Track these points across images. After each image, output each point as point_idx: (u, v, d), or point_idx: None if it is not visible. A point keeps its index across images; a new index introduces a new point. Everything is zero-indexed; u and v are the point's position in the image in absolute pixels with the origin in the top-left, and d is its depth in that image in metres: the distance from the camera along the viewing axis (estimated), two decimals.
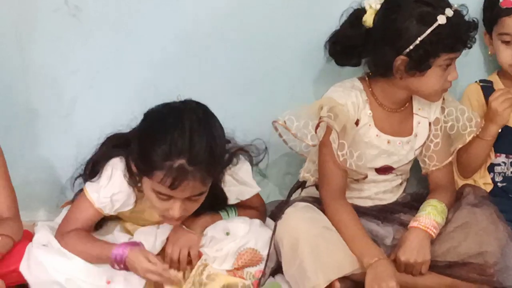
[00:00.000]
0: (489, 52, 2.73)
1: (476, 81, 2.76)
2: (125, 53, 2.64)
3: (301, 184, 2.71)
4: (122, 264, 2.36)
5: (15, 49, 2.64)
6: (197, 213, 2.48)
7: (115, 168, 2.46)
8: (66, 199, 2.71)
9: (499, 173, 2.76)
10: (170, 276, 2.35)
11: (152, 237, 2.46)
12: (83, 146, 2.59)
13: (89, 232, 2.49)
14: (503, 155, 2.76)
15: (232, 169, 2.52)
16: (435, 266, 2.49)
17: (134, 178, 2.43)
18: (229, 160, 2.48)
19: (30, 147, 2.71)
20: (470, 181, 2.76)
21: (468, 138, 2.63)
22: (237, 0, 2.67)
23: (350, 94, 2.54)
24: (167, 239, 2.46)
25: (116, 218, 2.58)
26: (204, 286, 2.45)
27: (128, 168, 2.43)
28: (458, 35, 2.42)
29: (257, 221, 2.53)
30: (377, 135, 2.55)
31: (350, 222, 2.47)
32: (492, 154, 2.73)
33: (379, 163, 2.54)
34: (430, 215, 2.49)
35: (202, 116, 2.34)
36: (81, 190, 2.54)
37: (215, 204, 2.53)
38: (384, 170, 2.57)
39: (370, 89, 2.56)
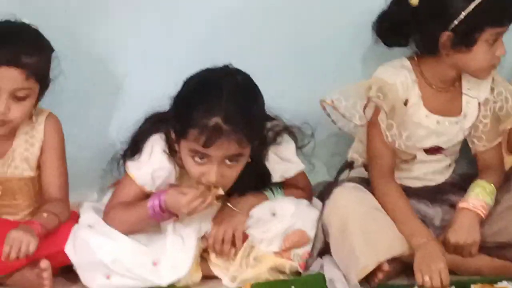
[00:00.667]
0: None
1: None
2: (174, 29, 2.66)
3: (349, 165, 2.71)
4: (166, 212, 2.39)
5: (65, 25, 2.65)
6: (242, 193, 2.50)
7: (155, 145, 2.48)
8: (114, 180, 2.72)
9: None
10: (211, 193, 2.35)
11: (197, 220, 2.48)
12: (132, 124, 2.60)
13: (129, 204, 2.51)
14: None
15: (276, 147, 2.52)
16: (485, 248, 2.49)
17: (174, 152, 2.45)
18: (273, 139, 2.49)
19: (79, 125, 2.72)
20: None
21: None
22: None
23: (399, 74, 2.54)
24: (213, 220, 2.48)
25: None
26: (251, 268, 2.45)
27: (168, 142, 2.45)
28: (503, 8, 2.41)
29: (304, 201, 2.53)
30: (426, 116, 2.55)
31: (399, 203, 2.47)
32: None
33: (428, 144, 2.54)
34: (479, 195, 2.49)
35: (242, 81, 2.37)
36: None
37: (259, 182, 2.54)
38: (433, 150, 2.56)
39: (419, 69, 2.56)
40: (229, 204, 2.45)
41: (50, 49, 2.56)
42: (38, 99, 2.53)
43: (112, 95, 2.75)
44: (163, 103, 2.50)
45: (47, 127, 2.58)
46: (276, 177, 2.55)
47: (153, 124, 2.54)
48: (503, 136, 2.66)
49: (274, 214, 2.51)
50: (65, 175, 2.62)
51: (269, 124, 2.52)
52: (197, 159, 2.35)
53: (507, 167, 2.74)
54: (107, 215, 2.50)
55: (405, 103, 2.56)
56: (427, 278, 2.32)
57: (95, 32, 2.71)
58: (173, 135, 2.41)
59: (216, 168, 2.35)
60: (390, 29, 2.56)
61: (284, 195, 2.57)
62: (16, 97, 2.45)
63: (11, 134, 2.54)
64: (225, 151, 2.34)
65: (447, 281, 2.34)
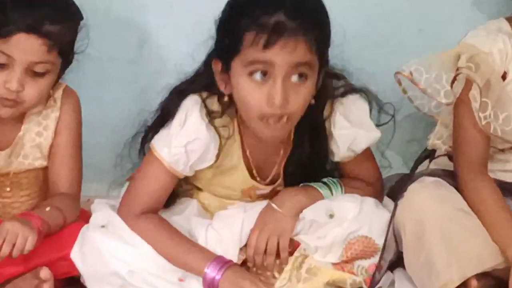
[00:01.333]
0: None
1: None
2: None
3: (430, 154, 2.44)
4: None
5: None
6: (290, 184, 2.26)
7: (190, 110, 2.19)
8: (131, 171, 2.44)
9: None
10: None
11: (237, 227, 2.19)
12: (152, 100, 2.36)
13: (168, 222, 2.22)
14: None
15: (344, 104, 2.24)
16: None
17: (214, 116, 2.17)
18: (342, 94, 2.24)
19: (92, 103, 2.46)
20: None
21: None
22: None
23: (496, 40, 2.28)
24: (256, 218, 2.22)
25: (190, 193, 2.34)
26: (303, 283, 2.19)
27: (206, 106, 2.17)
28: None
29: (370, 200, 2.23)
30: None
31: (492, 203, 2.20)
32: None
33: None
34: None
35: None
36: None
37: (313, 158, 2.25)
38: None
39: None
40: (273, 205, 2.18)
41: (79, 16, 2.31)
42: (59, 76, 2.29)
43: (131, 64, 2.50)
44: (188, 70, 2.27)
45: (64, 105, 2.33)
46: (342, 150, 2.26)
47: (183, 90, 2.24)
48: None
49: (332, 216, 2.19)
50: (78, 166, 2.38)
51: (338, 83, 2.26)
52: (257, 76, 2.04)
53: None
54: (133, 222, 2.21)
55: (503, 77, 2.27)
56: None
57: None
58: (218, 67, 2.13)
59: (281, 83, 2.03)
60: None
61: (345, 192, 2.25)
62: (33, 73, 2.20)
63: (20, 116, 2.31)
64: (290, 55, 2.03)
65: None
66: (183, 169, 2.21)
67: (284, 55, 2.04)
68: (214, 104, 2.19)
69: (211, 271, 2.13)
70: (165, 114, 2.25)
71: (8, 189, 2.36)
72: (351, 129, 2.28)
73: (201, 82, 2.23)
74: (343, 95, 2.25)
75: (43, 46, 2.18)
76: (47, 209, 2.22)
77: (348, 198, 2.23)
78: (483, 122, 2.23)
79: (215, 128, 2.19)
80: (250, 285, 2.12)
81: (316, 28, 2.09)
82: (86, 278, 2.17)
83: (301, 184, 2.31)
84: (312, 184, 2.30)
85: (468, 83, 2.26)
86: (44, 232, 2.15)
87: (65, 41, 2.25)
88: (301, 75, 2.08)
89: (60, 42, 2.23)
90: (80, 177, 2.38)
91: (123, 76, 2.54)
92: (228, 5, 2.15)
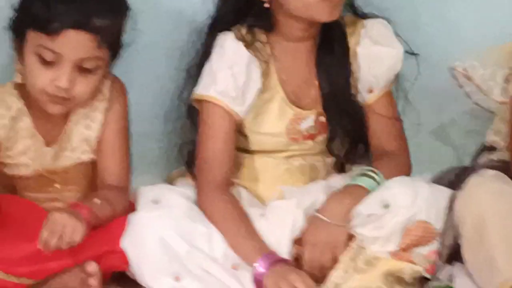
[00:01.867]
0: None
1: None
2: None
3: (488, 149, 2.38)
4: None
5: None
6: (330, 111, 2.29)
7: (224, 40, 2.27)
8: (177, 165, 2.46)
9: None
10: None
11: (289, 220, 2.19)
12: None
13: (242, 210, 2.22)
14: None
15: (367, 25, 2.30)
16: None
17: (252, 34, 2.26)
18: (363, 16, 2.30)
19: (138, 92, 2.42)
20: None
21: None
22: None
23: None
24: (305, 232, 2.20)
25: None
26: (360, 274, 2.15)
27: (239, 28, 2.25)
28: None
29: (424, 184, 2.20)
30: None
31: None
32: None
33: None
34: None
35: None
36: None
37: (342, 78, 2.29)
38: None
39: None
40: (319, 215, 2.16)
41: (127, 8, 2.30)
42: (108, 69, 2.31)
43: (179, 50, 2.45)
44: None
45: (112, 96, 2.31)
46: (365, 74, 2.30)
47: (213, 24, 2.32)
48: None
49: (387, 206, 2.15)
50: (126, 158, 2.36)
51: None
52: None
53: None
54: (206, 201, 2.23)
55: None
56: None
57: None
58: None
59: None
60: None
61: (384, 177, 2.24)
62: (82, 69, 2.20)
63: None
64: None
65: None
66: (235, 100, 2.22)
67: None
68: (246, 35, 2.25)
69: (260, 265, 2.12)
70: (202, 56, 2.29)
71: (57, 185, 2.36)
72: (373, 46, 2.32)
73: (225, 18, 2.29)
74: (365, 17, 2.30)
75: (92, 42, 2.16)
76: (97, 201, 2.20)
77: (399, 185, 2.19)
78: None
79: (253, 50, 2.25)
80: (296, 279, 2.10)
81: None
82: (137, 270, 2.14)
83: (344, 185, 2.27)
84: (353, 181, 2.26)
85: None
86: (93, 223, 2.13)
87: (113, 34, 2.23)
88: None
89: (109, 36, 2.21)
90: (129, 169, 2.35)
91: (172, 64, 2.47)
92: None
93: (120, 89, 2.35)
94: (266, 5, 2.23)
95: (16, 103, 2.30)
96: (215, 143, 2.27)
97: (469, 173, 2.26)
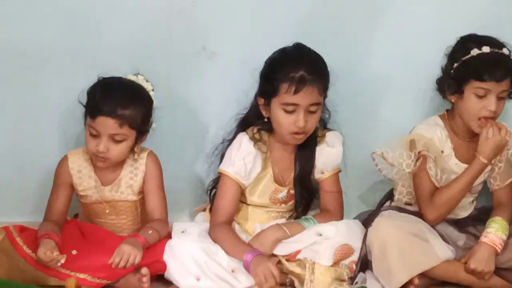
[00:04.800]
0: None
1: None
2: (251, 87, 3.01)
3: (389, 198, 3.05)
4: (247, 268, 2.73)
5: (165, 85, 3.07)
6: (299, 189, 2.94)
7: (241, 138, 2.91)
8: (199, 206, 3.13)
9: None
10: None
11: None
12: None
13: (231, 229, 2.86)
14: None
15: (331, 136, 2.95)
16: (499, 270, 2.80)
17: (260, 134, 2.90)
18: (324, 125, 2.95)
19: (174, 162, 3.11)
20: None
21: None
22: None
23: (435, 131, 2.90)
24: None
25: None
26: (319, 283, 2.77)
27: (254, 129, 2.90)
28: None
29: (342, 222, 2.89)
30: (456, 164, 2.90)
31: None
32: None
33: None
34: (498, 232, 2.81)
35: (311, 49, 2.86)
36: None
37: (307, 172, 2.94)
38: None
39: (449, 125, 2.91)
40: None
41: (149, 102, 2.88)
42: (137, 141, 2.85)
43: (201, 138, 3.14)
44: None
45: (148, 163, 2.92)
46: (319, 166, 2.94)
47: (240, 125, 2.97)
48: None
49: (320, 235, 2.82)
50: (165, 200, 2.95)
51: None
52: (288, 109, 2.78)
53: None
54: (212, 229, 2.86)
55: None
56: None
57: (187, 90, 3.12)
58: (262, 102, 2.85)
59: (303, 114, 2.78)
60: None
61: (319, 222, 2.89)
62: (114, 140, 2.79)
63: (119, 165, 2.88)
64: (310, 98, 2.78)
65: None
66: (243, 177, 2.89)
67: (305, 99, 2.77)
68: (255, 134, 2.91)
69: (247, 257, 2.71)
70: (227, 142, 2.96)
71: (107, 211, 2.93)
72: (327, 148, 2.95)
73: (249, 119, 2.94)
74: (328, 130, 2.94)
75: (116, 124, 2.76)
76: (150, 232, 2.81)
77: (326, 224, 2.84)
78: (434, 182, 2.84)
79: (258, 147, 2.90)
80: (270, 264, 2.67)
81: (324, 78, 2.83)
82: (172, 273, 2.75)
83: (292, 220, 2.94)
84: (298, 220, 2.93)
85: (424, 159, 2.85)
86: (146, 247, 2.75)
87: (135, 119, 2.80)
88: (314, 108, 2.79)
89: (130, 120, 2.78)
90: (166, 206, 2.95)
91: (196, 147, 3.15)
92: (265, 65, 2.88)
93: (154, 160, 2.94)
94: (265, 119, 2.87)
95: (85, 163, 2.92)
96: (225, 199, 2.91)
97: (376, 214, 2.90)
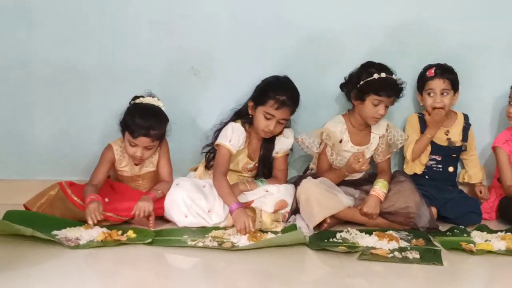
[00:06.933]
0: (420, 104, 4.04)
1: (416, 113, 4.10)
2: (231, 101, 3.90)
3: (309, 169, 3.97)
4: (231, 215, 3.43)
5: (168, 95, 3.92)
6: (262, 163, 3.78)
7: (234, 124, 3.70)
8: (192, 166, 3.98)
9: (430, 165, 4.07)
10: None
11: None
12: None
13: (228, 181, 3.62)
14: (436, 156, 4.08)
15: (287, 132, 3.76)
16: (382, 213, 3.69)
17: (246, 123, 3.66)
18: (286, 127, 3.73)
19: (177, 145, 3.93)
20: (411, 166, 4.02)
21: (399, 146, 3.90)
22: None
23: (337, 126, 3.78)
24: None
25: None
26: (264, 223, 3.60)
27: (242, 121, 3.67)
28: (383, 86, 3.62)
29: (282, 185, 3.72)
30: (351, 146, 3.80)
31: (329, 176, 3.73)
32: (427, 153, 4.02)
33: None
34: (382, 188, 3.71)
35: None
36: (212, 153, 3.79)
37: (269, 151, 3.77)
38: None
39: (349, 120, 3.78)
40: (244, 210, 3.52)
41: (167, 121, 3.73)
42: (159, 145, 3.73)
43: (192, 128, 4.02)
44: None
45: (162, 146, 3.79)
46: (276, 148, 3.75)
47: (233, 117, 3.74)
48: (390, 155, 3.86)
49: (267, 191, 3.68)
50: (171, 168, 3.82)
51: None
52: (267, 116, 3.56)
53: (410, 170, 4.01)
54: (214, 177, 3.60)
55: (340, 141, 3.76)
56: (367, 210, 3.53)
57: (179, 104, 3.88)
58: (251, 105, 3.64)
59: (275, 123, 3.57)
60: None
61: (269, 183, 3.75)
62: (146, 148, 3.66)
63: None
64: (283, 115, 3.57)
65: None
66: (233, 148, 3.63)
67: (281, 115, 3.56)
68: (242, 124, 3.66)
69: (232, 206, 3.46)
70: (221, 128, 3.71)
71: (140, 181, 3.81)
72: (282, 138, 3.74)
73: (241, 113, 3.70)
74: (286, 126, 3.69)
75: (149, 139, 3.60)
76: (159, 191, 3.64)
77: (273, 185, 3.69)
78: (331, 161, 3.72)
79: (244, 131, 3.62)
80: (247, 219, 3.38)
81: (295, 106, 3.63)
82: (168, 212, 3.55)
83: (252, 180, 3.75)
84: (255, 181, 3.75)
85: (326, 145, 3.70)
86: (155, 200, 3.57)
87: (160, 134, 3.66)
88: (283, 121, 3.58)
89: (158, 136, 3.64)
90: (172, 173, 3.80)
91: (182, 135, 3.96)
92: (262, 83, 3.67)
93: (165, 143, 3.75)
94: (250, 116, 3.66)
95: (124, 152, 3.72)
96: (224, 160, 3.65)
97: (302, 178, 3.75)
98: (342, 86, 3.79)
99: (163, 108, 3.73)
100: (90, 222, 3.46)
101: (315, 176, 3.84)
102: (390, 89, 3.64)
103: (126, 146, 3.65)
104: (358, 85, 3.63)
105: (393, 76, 3.66)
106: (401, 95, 3.79)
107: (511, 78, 4.14)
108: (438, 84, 3.92)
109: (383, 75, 3.62)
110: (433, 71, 3.96)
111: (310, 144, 3.75)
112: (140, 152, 3.59)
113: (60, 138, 4.09)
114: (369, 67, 3.68)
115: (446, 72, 3.94)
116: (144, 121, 3.58)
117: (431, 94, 3.95)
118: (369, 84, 3.61)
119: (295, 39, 4.01)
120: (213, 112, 3.98)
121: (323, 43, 4.00)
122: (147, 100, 3.73)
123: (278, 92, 3.56)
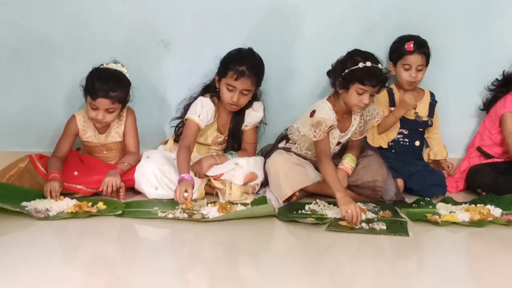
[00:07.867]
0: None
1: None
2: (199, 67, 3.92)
3: (285, 137, 3.90)
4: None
5: (135, 67, 3.94)
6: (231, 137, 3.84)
7: (203, 99, 3.74)
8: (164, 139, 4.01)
9: (397, 139, 4.10)
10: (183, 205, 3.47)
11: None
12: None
13: (189, 154, 3.67)
14: (403, 130, 4.11)
15: (256, 104, 3.83)
16: (350, 186, 3.72)
17: (215, 97, 3.70)
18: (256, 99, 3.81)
19: (142, 115, 3.95)
20: (377, 139, 4.05)
21: (375, 124, 3.89)
22: None
23: (331, 115, 3.71)
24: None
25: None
26: (234, 195, 3.66)
27: (211, 95, 3.72)
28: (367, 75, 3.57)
29: (251, 158, 3.79)
30: (338, 134, 3.80)
31: (329, 170, 3.61)
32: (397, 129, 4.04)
33: (336, 142, 3.82)
34: (350, 162, 3.75)
35: (258, 55, 3.74)
36: (181, 127, 3.83)
37: (238, 124, 3.83)
38: (339, 143, 3.84)
39: (335, 106, 3.72)
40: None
41: (129, 85, 3.71)
42: (122, 109, 3.70)
43: (161, 100, 4.06)
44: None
45: (127, 115, 3.79)
46: (246, 122, 3.81)
47: (202, 91, 3.80)
48: (365, 134, 3.88)
49: (237, 164, 3.73)
50: (137, 139, 3.82)
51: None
52: (229, 88, 3.60)
53: (376, 143, 4.02)
54: (179, 149, 3.64)
55: (331, 127, 3.74)
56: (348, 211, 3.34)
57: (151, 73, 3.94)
58: (216, 78, 3.69)
59: (238, 94, 3.62)
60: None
61: (239, 156, 3.80)
62: (108, 111, 3.64)
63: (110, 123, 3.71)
64: (244, 85, 3.61)
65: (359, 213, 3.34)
66: (202, 123, 3.67)
67: (241, 85, 3.59)
68: (211, 98, 3.71)
69: (181, 177, 3.49)
70: (190, 103, 3.75)
71: (105, 152, 3.79)
72: (252, 112, 3.81)
73: (210, 88, 3.75)
74: (256, 100, 3.78)
75: (109, 102, 3.58)
76: (126, 164, 3.66)
77: (243, 158, 3.74)
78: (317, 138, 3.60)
79: (213, 105, 3.66)
80: (181, 190, 3.41)
81: (257, 76, 3.65)
82: (138, 184, 3.59)
83: (222, 153, 3.78)
84: (225, 154, 3.79)
85: (329, 132, 3.63)
86: (123, 174, 3.61)
87: (121, 97, 3.63)
88: (246, 92, 3.62)
89: (119, 98, 3.60)
90: (139, 143, 3.79)
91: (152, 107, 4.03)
92: (224, 58, 3.70)
93: (131, 112, 3.74)
94: (217, 90, 3.69)
95: (87, 120, 3.69)
96: (190, 134, 3.67)
97: (272, 150, 3.77)
98: (328, 73, 3.79)
99: (127, 75, 3.75)
100: (47, 196, 3.52)
101: (286, 149, 3.92)
102: (375, 78, 3.58)
103: (88, 111, 3.65)
104: (343, 73, 3.59)
105: (379, 66, 3.61)
106: (386, 84, 3.81)
107: (473, 58, 4.22)
108: (416, 60, 3.94)
109: (368, 64, 3.56)
110: (412, 45, 3.95)
111: (307, 132, 3.71)
112: (101, 115, 3.59)
113: (26, 110, 4.09)
114: (354, 56, 3.63)
115: (423, 47, 3.94)
116: (102, 83, 3.60)
117: (407, 68, 3.95)
118: (353, 72, 3.57)
119: (262, 12, 4.04)
120: (182, 86, 4.00)
121: (289, 17, 4.03)
122: (110, 66, 3.75)
123: (237, 63, 3.62)
